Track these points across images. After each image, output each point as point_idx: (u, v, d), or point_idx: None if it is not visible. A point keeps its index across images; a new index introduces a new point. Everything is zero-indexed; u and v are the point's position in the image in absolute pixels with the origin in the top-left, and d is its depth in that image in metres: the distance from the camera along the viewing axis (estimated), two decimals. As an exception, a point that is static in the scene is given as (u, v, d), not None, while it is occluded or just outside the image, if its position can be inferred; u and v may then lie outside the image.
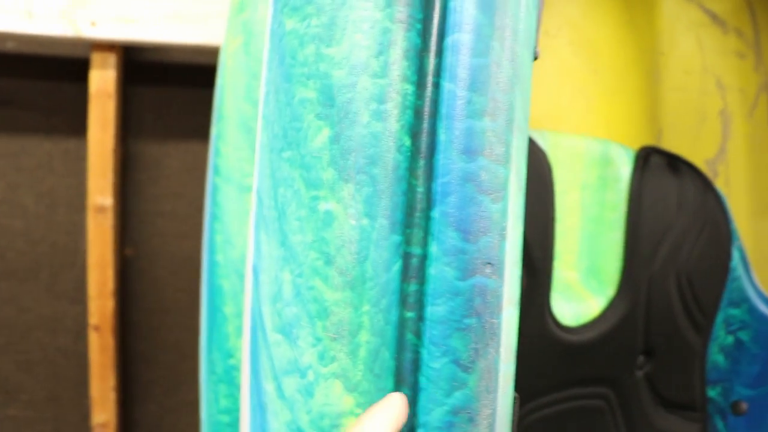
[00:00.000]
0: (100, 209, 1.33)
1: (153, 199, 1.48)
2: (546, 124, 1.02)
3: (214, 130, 0.89)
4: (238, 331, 0.85)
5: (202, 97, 1.44)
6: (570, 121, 1.03)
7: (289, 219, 0.46)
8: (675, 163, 0.96)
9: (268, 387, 0.46)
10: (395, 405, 0.43)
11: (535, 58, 0.49)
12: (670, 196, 0.94)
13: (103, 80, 1.32)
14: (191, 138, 1.48)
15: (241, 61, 0.86)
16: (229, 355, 0.86)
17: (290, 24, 0.47)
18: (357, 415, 0.44)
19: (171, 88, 1.47)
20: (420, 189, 0.45)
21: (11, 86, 1.40)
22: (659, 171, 0.94)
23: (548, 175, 0.86)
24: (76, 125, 1.40)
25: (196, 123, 1.46)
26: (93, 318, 1.35)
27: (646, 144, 1.05)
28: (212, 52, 1.26)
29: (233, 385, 0.86)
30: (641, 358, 0.94)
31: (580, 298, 0.90)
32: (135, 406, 1.51)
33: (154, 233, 1.49)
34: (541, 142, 0.88)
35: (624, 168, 0.93)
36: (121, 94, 1.37)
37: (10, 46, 1.38)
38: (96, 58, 1.31)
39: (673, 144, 1.13)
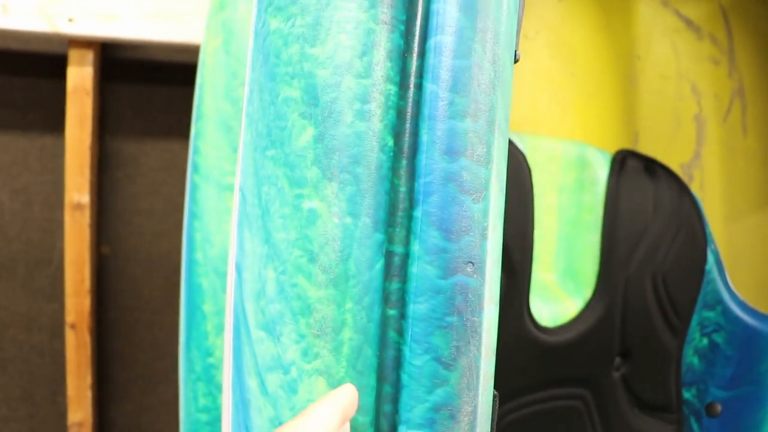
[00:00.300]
0: (77, 207, 1.32)
1: (130, 197, 1.47)
2: (523, 127, 1.02)
3: (193, 129, 0.89)
4: (217, 329, 0.85)
5: (179, 96, 1.43)
6: (547, 123, 1.04)
7: (273, 217, 0.46)
8: (651, 167, 0.97)
9: (252, 383, 0.47)
10: (346, 394, 0.43)
11: (516, 61, 0.50)
12: (646, 199, 0.95)
13: (80, 77, 1.31)
14: (169, 136, 1.47)
15: (220, 60, 0.86)
16: (208, 353, 0.86)
17: (275, 24, 0.47)
18: (339, 412, 0.45)
19: (149, 85, 1.46)
20: (402, 188, 0.45)
21: (-13, 82, 1.39)
22: (636, 174, 0.95)
23: (528, 177, 0.87)
24: (53, 122, 1.39)
25: (174, 121, 1.45)
26: (69, 316, 1.34)
27: (623, 147, 1.06)
28: (191, 50, 1.26)
29: (212, 383, 0.86)
30: (618, 360, 0.95)
31: (558, 299, 0.91)
32: (111, 405, 1.50)
33: (131, 231, 1.48)
34: (520, 145, 0.89)
35: (601, 171, 0.94)
36: (98, 91, 1.36)
37: (-15, 42, 1.38)
38: (73, 54, 1.30)
39: (649, 148, 1.14)
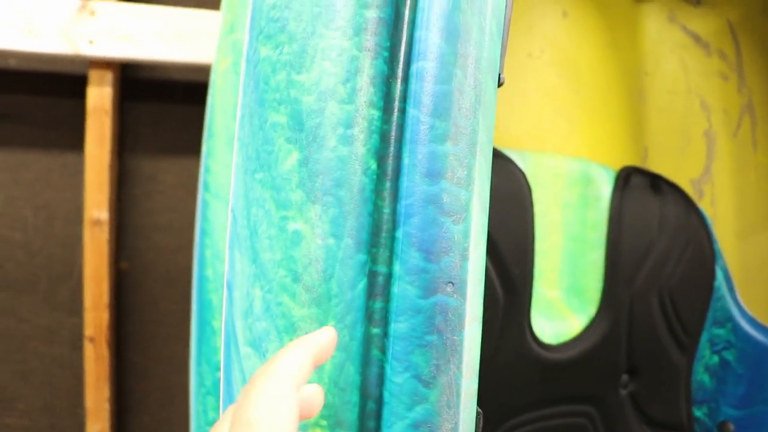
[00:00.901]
0: (96, 223, 1.35)
1: (148, 214, 1.50)
2: (528, 144, 1.03)
3: (204, 148, 0.91)
4: (226, 344, 0.86)
5: (196, 114, 1.45)
6: (553, 141, 1.04)
7: (261, 237, 0.47)
8: (657, 183, 0.97)
9: (239, 399, 0.48)
10: (321, 336, 0.42)
11: (500, 84, 0.51)
12: (651, 215, 0.94)
13: (100, 97, 1.34)
14: (186, 154, 1.50)
15: (230, 81, 0.88)
16: (218, 368, 0.87)
17: (264, 51, 0.49)
18: (322, 427, 0.46)
19: (166, 104, 1.49)
20: (386, 210, 0.46)
21: (11, 101, 1.42)
22: (640, 190, 0.95)
23: (527, 194, 0.87)
24: (74, 140, 1.42)
25: (191, 139, 1.47)
26: (88, 329, 1.37)
27: (631, 164, 1.06)
28: (207, 70, 1.28)
29: (221, 397, 0.87)
30: (625, 377, 0.94)
31: (562, 316, 0.91)
32: (129, 417, 1.52)
33: (149, 247, 1.50)
34: (521, 163, 0.89)
35: (605, 187, 0.94)
36: (117, 110, 1.39)
37: (11, 63, 1.41)
38: (93, 75, 1.33)
39: (658, 164, 1.14)
